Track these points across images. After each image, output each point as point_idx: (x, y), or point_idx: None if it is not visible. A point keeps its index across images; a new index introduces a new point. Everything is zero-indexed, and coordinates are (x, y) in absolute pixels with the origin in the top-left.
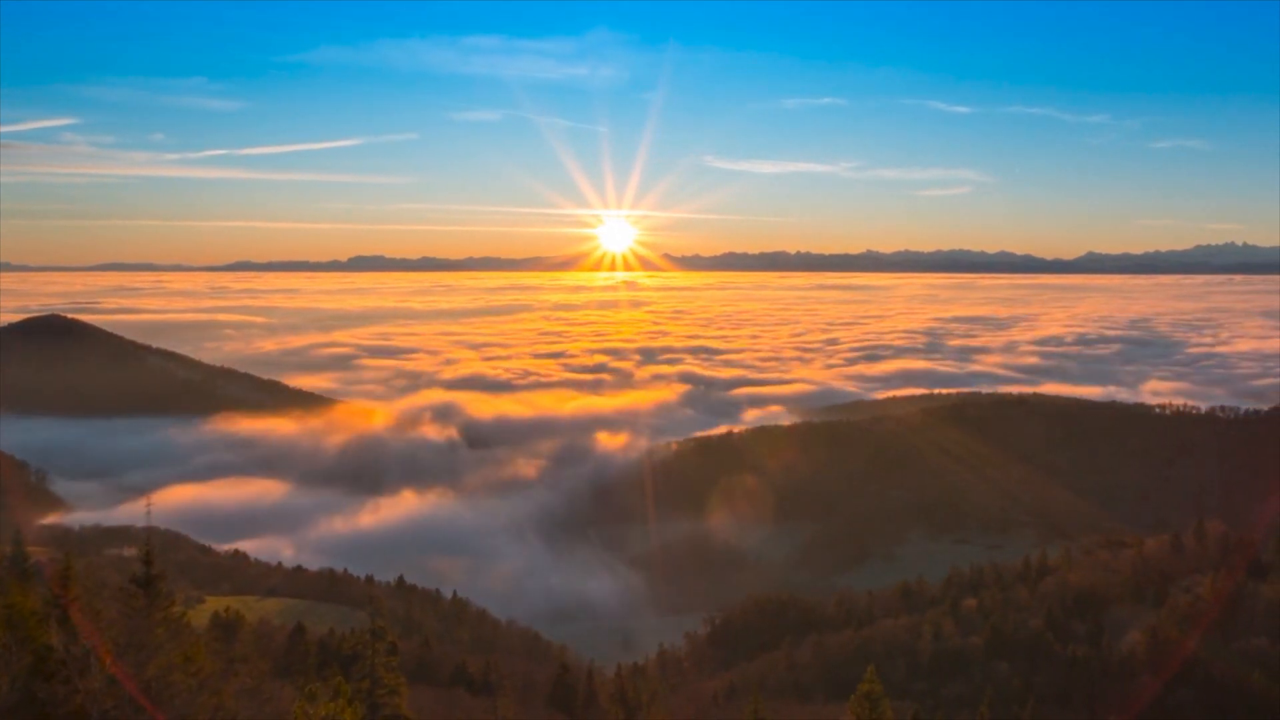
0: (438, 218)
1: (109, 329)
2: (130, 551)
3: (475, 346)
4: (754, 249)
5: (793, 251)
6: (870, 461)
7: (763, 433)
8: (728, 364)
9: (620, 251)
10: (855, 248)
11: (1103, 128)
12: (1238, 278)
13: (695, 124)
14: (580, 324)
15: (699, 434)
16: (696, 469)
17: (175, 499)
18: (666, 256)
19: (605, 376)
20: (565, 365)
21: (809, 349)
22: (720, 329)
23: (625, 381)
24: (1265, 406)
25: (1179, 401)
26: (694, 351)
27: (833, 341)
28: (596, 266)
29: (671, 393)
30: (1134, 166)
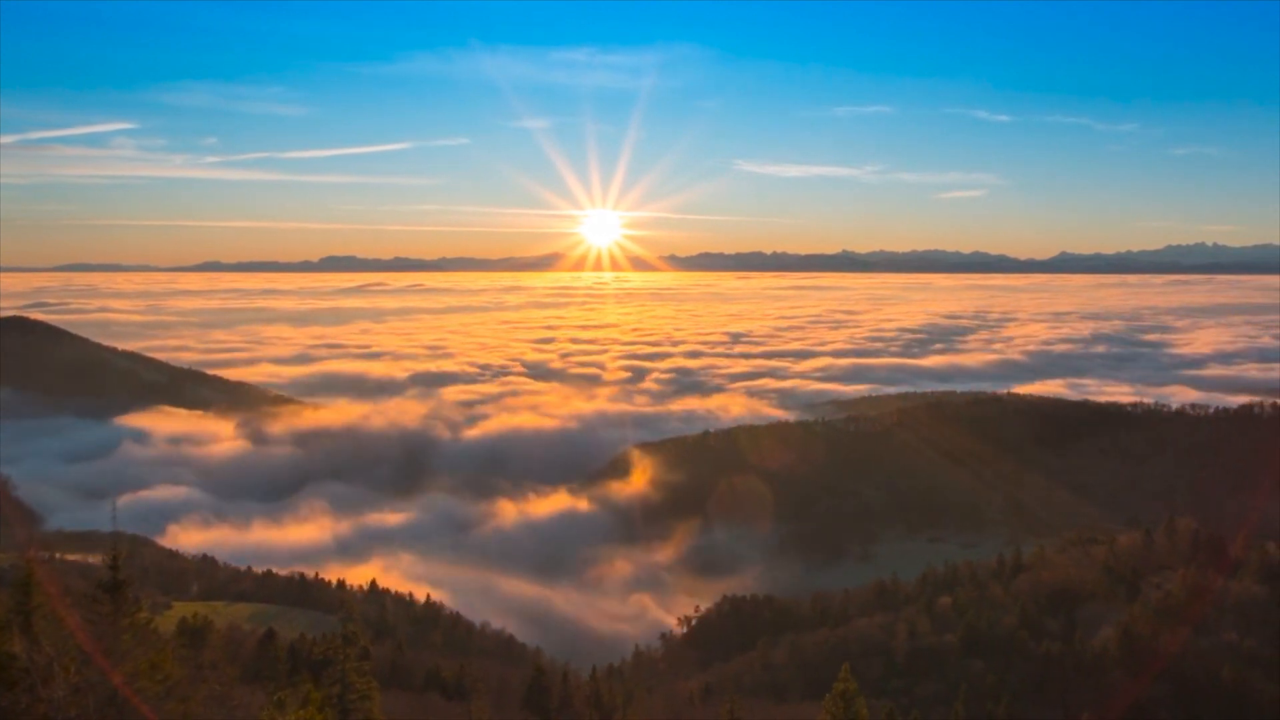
0: (446, 219)
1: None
2: (95, 556)
3: (424, 346)
4: (730, 249)
5: (768, 252)
6: (845, 460)
7: (737, 433)
8: (708, 364)
9: (598, 251)
10: (832, 248)
11: (1130, 135)
12: (1202, 277)
13: (736, 130)
14: (539, 324)
15: (673, 435)
16: (670, 470)
17: (141, 502)
18: (647, 257)
19: (571, 378)
20: (524, 366)
21: (783, 347)
22: (687, 329)
23: (599, 381)
24: (1235, 405)
25: (1150, 400)
26: (670, 350)
27: (813, 340)
28: (578, 266)
29: (644, 392)
30: (1146, 171)
